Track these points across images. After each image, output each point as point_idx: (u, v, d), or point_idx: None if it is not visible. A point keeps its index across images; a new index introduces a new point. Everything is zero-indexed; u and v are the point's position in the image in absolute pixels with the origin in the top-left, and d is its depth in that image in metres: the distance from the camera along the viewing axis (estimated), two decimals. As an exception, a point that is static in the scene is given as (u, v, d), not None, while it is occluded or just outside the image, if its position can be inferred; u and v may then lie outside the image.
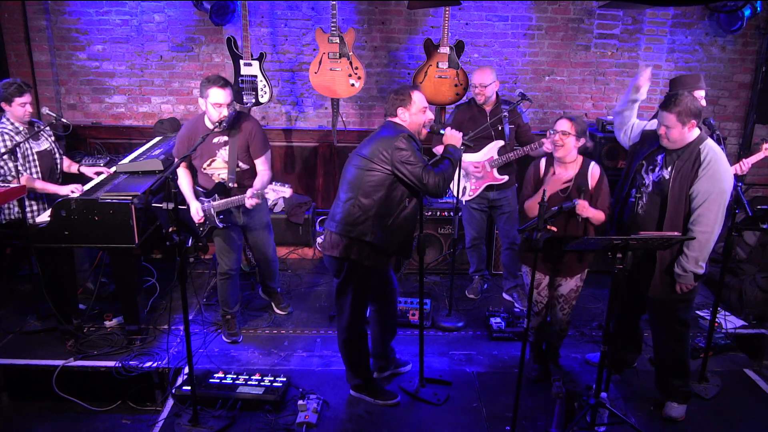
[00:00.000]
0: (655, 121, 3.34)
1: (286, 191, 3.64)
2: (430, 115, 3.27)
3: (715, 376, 3.79)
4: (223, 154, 3.82)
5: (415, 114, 3.21)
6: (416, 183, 3.09)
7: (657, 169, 3.25)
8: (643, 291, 3.37)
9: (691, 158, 3.10)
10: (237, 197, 3.77)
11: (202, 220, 3.83)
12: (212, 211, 3.83)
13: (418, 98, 3.21)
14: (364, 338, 3.50)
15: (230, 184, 3.84)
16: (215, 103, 3.62)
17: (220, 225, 3.86)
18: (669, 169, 3.17)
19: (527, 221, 3.50)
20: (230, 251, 3.99)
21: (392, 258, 3.45)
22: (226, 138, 3.80)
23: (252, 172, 3.92)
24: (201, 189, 3.93)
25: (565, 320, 3.61)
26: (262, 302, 4.70)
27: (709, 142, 3.13)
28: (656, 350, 3.53)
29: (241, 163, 3.85)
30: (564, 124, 3.34)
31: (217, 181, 3.87)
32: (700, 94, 4.16)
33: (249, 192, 3.70)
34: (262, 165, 3.91)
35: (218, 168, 3.85)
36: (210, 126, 3.74)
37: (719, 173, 3.05)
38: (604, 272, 4.88)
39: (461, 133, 3.29)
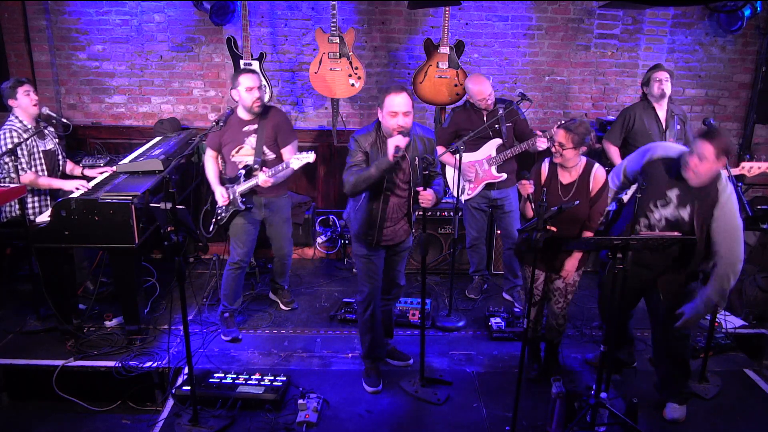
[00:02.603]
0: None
1: (310, 157, 3.78)
2: (400, 121, 3.12)
3: (715, 376, 3.79)
4: (251, 141, 4.00)
5: (384, 117, 3.20)
6: None
7: (671, 206, 3.12)
8: (646, 291, 3.37)
9: (709, 197, 3.00)
10: (257, 178, 3.93)
11: (226, 202, 4.00)
12: (236, 194, 4.00)
13: (388, 102, 3.15)
14: (365, 314, 3.59)
15: (255, 166, 3.99)
16: (248, 88, 3.85)
17: (242, 207, 4.01)
18: (687, 209, 3.07)
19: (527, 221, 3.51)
20: (245, 242, 4.13)
21: (381, 244, 3.53)
22: (255, 126, 4.00)
23: (277, 161, 4.04)
24: (227, 178, 4.09)
25: (561, 314, 3.62)
26: (262, 302, 4.71)
27: (724, 177, 3.02)
28: (660, 349, 3.52)
29: (267, 150, 4.02)
30: (560, 135, 3.28)
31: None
32: (664, 75, 4.37)
33: (264, 170, 3.90)
34: (289, 153, 4.07)
35: (245, 155, 4.02)
36: (243, 116, 3.98)
37: (733, 211, 3.00)
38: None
39: (397, 143, 3.10)
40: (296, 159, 3.79)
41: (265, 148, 4.01)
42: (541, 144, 4.27)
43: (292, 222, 5.38)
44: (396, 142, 3.08)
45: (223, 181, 4.08)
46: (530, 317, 3.69)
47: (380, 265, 3.57)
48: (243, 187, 3.98)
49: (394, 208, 3.41)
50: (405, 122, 3.14)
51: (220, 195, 3.99)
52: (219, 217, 4.11)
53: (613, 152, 4.65)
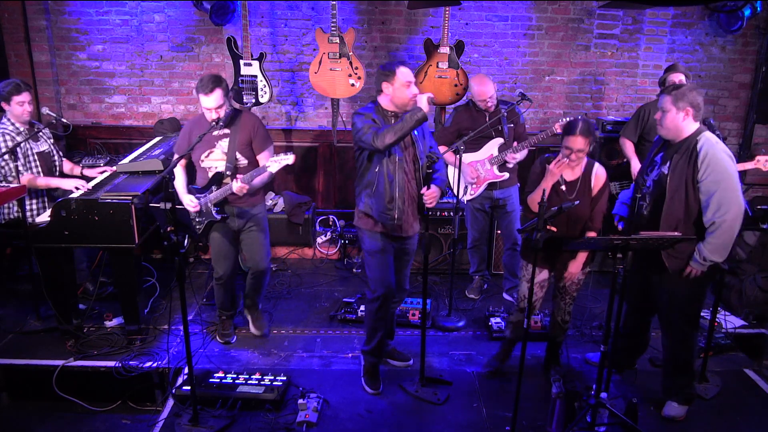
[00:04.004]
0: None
1: (289, 158, 3.56)
2: (414, 90, 3.28)
3: (715, 376, 3.79)
4: (223, 145, 3.77)
5: (398, 88, 3.26)
6: (371, 146, 3.22)
7: (656, 168, 3.24)
8: (653, 293, 3.37)
9: (688, 151, 3.07)
10: (230, 185, 3.68)
11: (197, 208, 3.74)
12: (209, 205, 3.77)
13: (401, 73, 3.25)
14: (378, 313, 3.52)
15: (227, 173, 3.76)
16: (205, 108, 3.62)
17: (218, 217, 3.79)
18: (667, 164, 3.15)
19: (530, 215, 3.50)
20: (224, 257, 3.95)
21: (392, 236, 3.50)
22: (227, 131, 3.75)
23: (250, 168, 3.81)
24: (196, 188, 3.85)
25: (566, 310, 3.63)
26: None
27: (706, 134, 3.09)
28: (663, 349, 3.52)
29: (240, 156, 3.78)
30: (580, 143, 3.24)
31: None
32: (678, 77, 4.41)
33: (238, 177, 3.65)
34: (265, 159, 3.79)
35: (216, 160, 3.78)
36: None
37: (720, 160, 3.00)
38: (605, 272, 4.95)
39: (428, 95, 3.23)
40: (274, 162, 3.56)
41: (238, 154, 3.76)
42: (517, 157, 4.42)
43: (290, 222, 5.42)
44: (427, 94, 3.20)
45: (191, 191, 3.81)
46: (513, 320, 3.70)
47: (392, 261, 3.54)
48: (216, 195, 3.74)
49: (404, 185, 3.39)
50: (417, 90, 3.32)
51: (190, 202, 3.73)
52: (197, 231, 3.87)
53: (628, 147, 4.69)
